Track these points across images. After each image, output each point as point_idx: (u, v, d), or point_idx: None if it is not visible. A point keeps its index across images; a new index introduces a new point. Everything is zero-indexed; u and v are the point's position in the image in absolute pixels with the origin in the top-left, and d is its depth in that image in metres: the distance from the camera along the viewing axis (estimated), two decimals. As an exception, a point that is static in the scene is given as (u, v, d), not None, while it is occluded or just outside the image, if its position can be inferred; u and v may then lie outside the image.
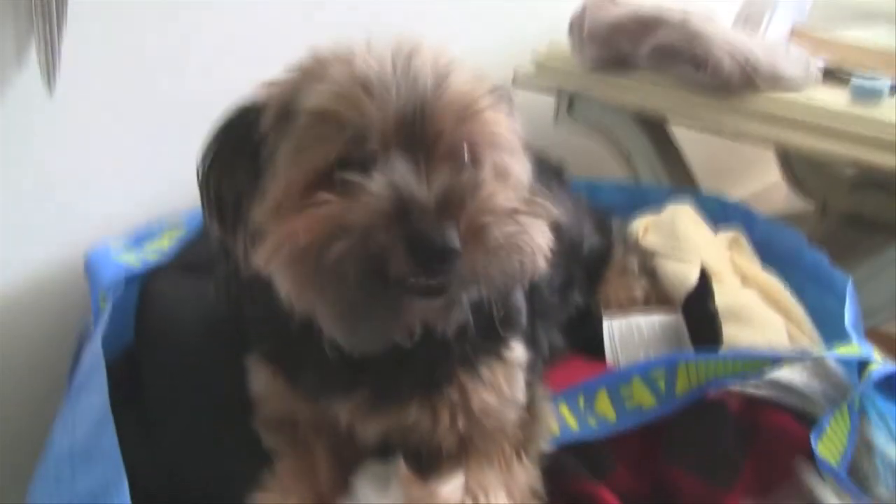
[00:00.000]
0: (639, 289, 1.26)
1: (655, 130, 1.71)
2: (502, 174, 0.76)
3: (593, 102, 1.65)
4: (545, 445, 0.90)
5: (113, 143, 1.19)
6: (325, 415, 0.86)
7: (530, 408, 0.90)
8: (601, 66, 1.58)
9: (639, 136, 1.70)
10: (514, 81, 1.63)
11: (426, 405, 0.83)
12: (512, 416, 0.88)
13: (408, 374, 0.82)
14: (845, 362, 0.99)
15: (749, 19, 1.82)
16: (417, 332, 0.74)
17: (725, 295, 1.19)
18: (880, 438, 0.95)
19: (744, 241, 1.41)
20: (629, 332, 1.15)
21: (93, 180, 1.18)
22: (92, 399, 0.88)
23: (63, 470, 0.87)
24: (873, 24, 1.88)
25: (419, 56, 0.74)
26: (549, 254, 0.75)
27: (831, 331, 1.18)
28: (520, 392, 0.88)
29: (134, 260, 1.11)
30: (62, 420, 0.94)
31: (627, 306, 1.23)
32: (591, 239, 1.22)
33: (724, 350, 1.09)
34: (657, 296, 1.27)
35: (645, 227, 1.40)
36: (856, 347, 1.01)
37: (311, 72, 0.75)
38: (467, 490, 0.82)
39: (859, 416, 0.95)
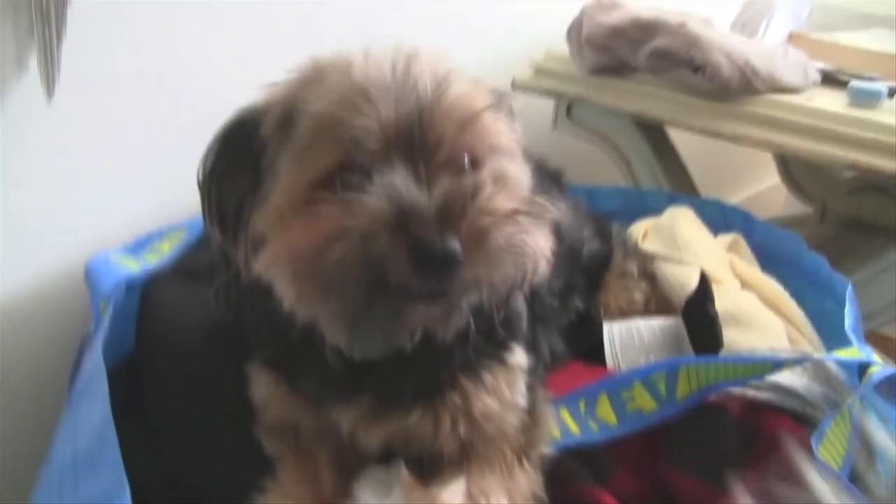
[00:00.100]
0: (639, 293, 1.26)
1: (654, 135, 1.71)
2: (502, 179, 0.76)
3: (592, 107, 1.65)
4: (546, 450, 0.90)
5: (113, 150, 1.19)
6: (326, 421, 0.86)
7: (531, 412, 0.90)
8: (600, 71, 1.58)
9: (638, 140, 1.70)
10: (513, 87, 1.63)
11: (428, 410, 0.83)
12: (513, 420, 0.88)
13: (410, 380, 0.82)
14: (846, 365, 0.99)
15: (747, 24, 1.83)
16: (417, 335, 0.74)
17: (726, 298, 1.19)
18: (881, 441, 0.95)
19: (743, 245, 1.41)
20: (629, 337, 1.15)
21: (93, 187, 1.18)
22: (93, 406, 0.88)
23: (65, 477, 0.87)
24: (871, 28, 1.89)
25: (418, 62, 0.74)
26: (549, 257, 0.75)
27: (831, 334, 1.18)
28: (521, 396, 0.88)
29: (134, 266, 1.11)
30: (64, 428, 0.95)
31: (628, 310, 1.23)
32: (590, 243, 1.23)
33: (724, 354, 1.09)
34: (657, 300, 1.27)
35: (644, 232, 1.41)
36: (856, 351, 1.01)
37: (311, 79, 0.76)
38: (468, 495, 0.82)
39: (860, 419, 0.95)
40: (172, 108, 1.22)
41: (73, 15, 1.05)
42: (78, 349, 1.09)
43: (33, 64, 1.06)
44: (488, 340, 0.83)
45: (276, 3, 1.30)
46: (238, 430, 0.91)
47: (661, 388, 0.97)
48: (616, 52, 1.55)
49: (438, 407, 0.83)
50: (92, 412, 0.88)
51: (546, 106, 1.70)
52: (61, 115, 1.10)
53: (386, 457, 0.87)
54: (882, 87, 1.42)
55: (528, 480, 0.87)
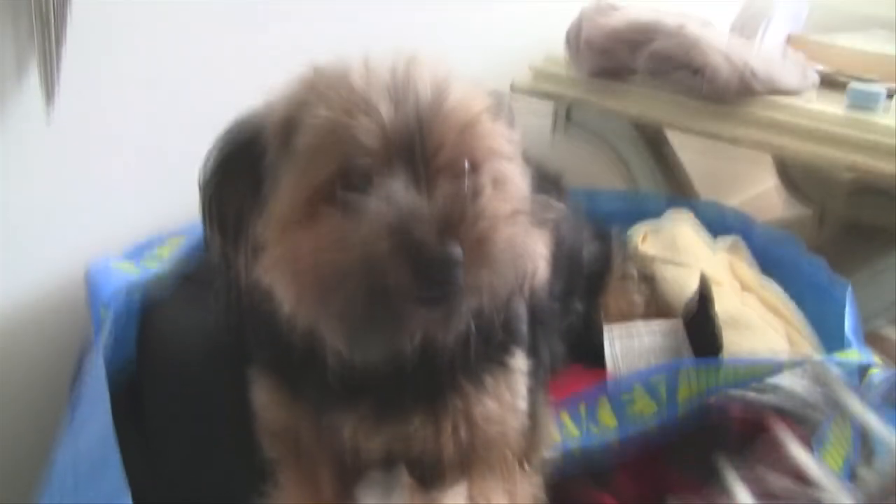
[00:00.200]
0: (639, 296, 1.26)
1: (653, 137, 1.71)
2: (501, 183, 0.77)
3: (591, 110, 1.65)
4: (547, 453, 0.90)
5: (113, 155, 1.19)
6: (327, 426, 0.86)
7: (532, 416, 0.90)
8: (598, 75, 1.58)
9: (637, 143, 1.70)
10: (512, 90, 1.63)
11: (429, 414, 0.84)
12: (514, 423, 0.88)
13: (410, 384, 0.82)
14: (845, 367, 1.00)
15: (746, 27, 1.83)
16: (417, 339, 0.74)
17: (725, 301, 1.19)
18: (881, 443, 0.95)
19: (743, 248, 1.41)
20: (629, 340, 1.15)
21: (93, 192, 1.18)
22: (94, 413, 0.88)
23: (67, 482, 0.87)
24: (869, 30, 1.89)
25: (417, 69, 0.74)
26: (549, 260, 0.75)
27: (831, 336, 1.19)
28: (521, 400, 0.88)
29: (134, 271, 1.11)
30: (65, 434, 0.95)
31: (627, 313, 1.24)
32: (590, 247, 1.23)
33: (724, 357, 1.09)
34: (657, 303, 1.27)
35: (644, 235, 1.41)
36: (856, 352, 1.01)
37: (311, 87, 0.76)
38: (470, 498, 0.83)
39: (860, 420, 0.96)
40: (173, 112, 1.22)
41: (74, 20, 1.05)
42: (79, 355, 1.09)
43: (33, 69, 1.06)
44: (489, 344, 0.83)
45: (277, 9, 1.31)
46: (238, 435, 0.91)
47: (662, 391, 0.97)
48: (615, 54, 1.55)
49: (439, 411, 0.83)
50: (93, 417, 0.89)
51: (545, 109, 1.70)
52: (61, 120, 1.10)
53: (387, 461, 0.86)
54: (881, 88, 1.42)
55: (529, 483, 0.88)
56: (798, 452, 0.89)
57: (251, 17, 1.28)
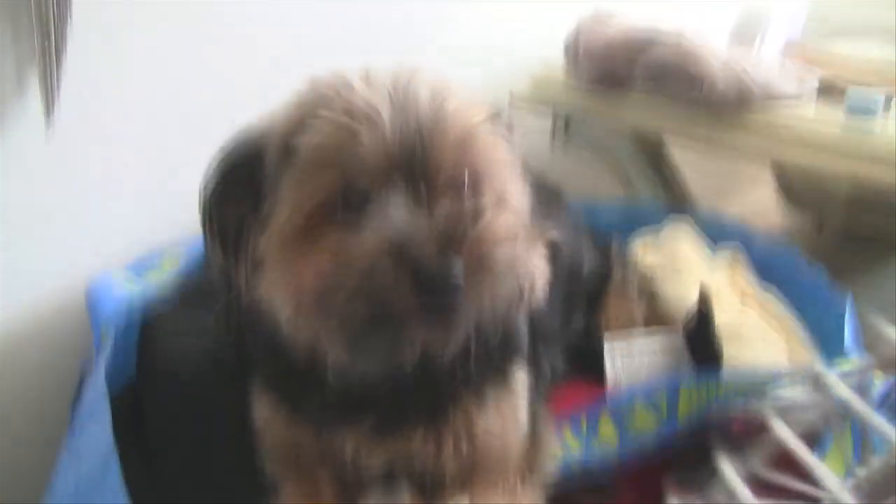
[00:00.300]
0: (639, 310, 1.26)
1: (652, 147, 1.72)
2: (501, 199, 0.77)
3: (590, 122, 1.66)
4: (549, 468, 0.90)
5: (113, 174, 1.19)
6: (328, 443, 0.86)
7: (533, 431, 0.90)
8: (597, 86, 1.58)
9: (635, 154, 1.70)
10: (511, 102, 1.63)
11: (430, 431, 0.84)
12: (515, 439, 0.88)
13: (411, 401, 0.82)
14: (846, 377, 0.99)
15: (743, 34, 1.84)
16: (417, 355, 0.74)
17: (725, 314, 1.19)
18: (881, 452, 0.95)
19: (742, 260, 1.42)
20: (630, 354, 1.15)
21: (94, 207, 1.19)
22: (96, 431, 0.88)
23: (68, 501, 0.87)
24: (867, 38, 1.89)
25: (416, 85, 0.74)
26: (548, 277, 0.75)
27: (831, 347, 1.18)
28: (523, 415, 0.88)
29: (136, 287, 1.11)
30: (67, 453, 0.95)
31: (628, 327, 1.23)
32: (590, 261, 1.23)
33: (724, 369, 1.09)
34: (657, 316, 1.27)
35: (644, 249, 1.41)
36: (856, 363, 1.01)
37: (311, 103, 0.75)
38: (471, 514, 0.83)
39: (861, 430, 0.96)
40: (174, 126, 1.22)
41: (74, 26, 1.05)
42: (80, 373, 1.09)
43: (33, 83, 1.06)
44: (489, 360, 0.83)
45: (278, 24, 1.31)
46: (239, 453, 0.90)
47: (663, 406, 0.97)
48: (613, 66, 1.55)
49: (440, 427, 0.83)
50: (94, 436, 0.88)
51: (544, 122, 1.70)
52: (61, 134, 1.10)
53: (388, 476, 0.86)
54: (879, 96, 1.42)
55: (530, 497, 0.88)
56: (799, 450, 0.88)
57: (253, 33, 1.28)
